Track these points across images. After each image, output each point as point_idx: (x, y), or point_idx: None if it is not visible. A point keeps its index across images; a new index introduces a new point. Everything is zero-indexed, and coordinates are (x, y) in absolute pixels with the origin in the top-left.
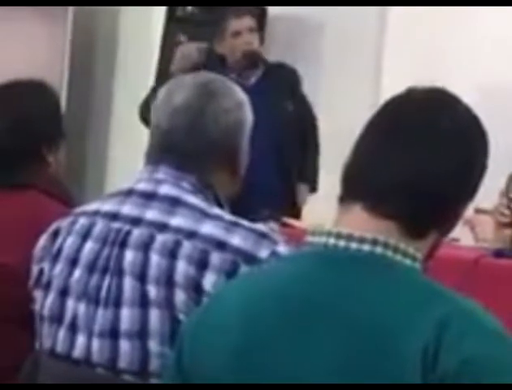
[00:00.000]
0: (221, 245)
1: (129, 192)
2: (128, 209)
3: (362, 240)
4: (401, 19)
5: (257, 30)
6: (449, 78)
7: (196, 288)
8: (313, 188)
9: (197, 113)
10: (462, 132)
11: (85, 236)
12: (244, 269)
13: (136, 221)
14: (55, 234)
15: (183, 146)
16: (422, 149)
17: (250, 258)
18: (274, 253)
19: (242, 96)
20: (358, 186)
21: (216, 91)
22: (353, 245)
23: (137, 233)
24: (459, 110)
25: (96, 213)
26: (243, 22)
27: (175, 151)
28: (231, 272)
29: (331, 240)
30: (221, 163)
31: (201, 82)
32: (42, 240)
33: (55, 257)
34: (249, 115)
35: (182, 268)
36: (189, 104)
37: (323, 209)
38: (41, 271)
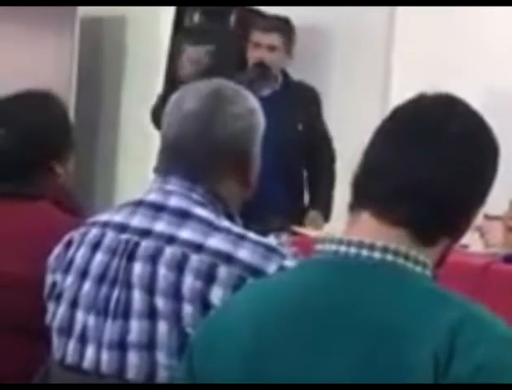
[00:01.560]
0: (228, 259)
1: (139, 204)
2: (138, 220)
3: (372, 248)
4: (410, 27)
5: (282, 49)
6: (459, 84)
7: (203, 302)
8: (325, 217)
9: (206, 120)
10: (472, 138)
11: (96, 247)
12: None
13: (145, 233)
14: (68, 245)
15: (192, 154)
16: (431, 155)
17: (257, 273)
18: (282, 268)
19: (254, 103)
20: (367, 193)
21: (226, 97)
22: (364, 253)
23: (145, 245)
24: (469, 116)
25: (106, 224)
26: (267, 38)
27: (184, 159)
28: (238, 286)
29: (342, 248)
30: (231, 171)
31: (212, 88)
32: (56, 251)
33: (67, 269)
34: (260, 122)
35: (189, 282)
36: (199, 111)
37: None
38: (54, 283)
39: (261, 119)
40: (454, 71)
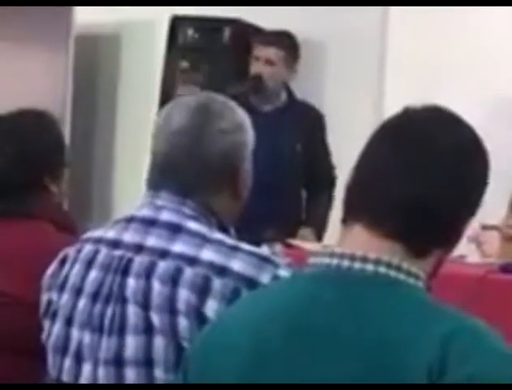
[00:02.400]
0: (222, 271)
1: (130, 219)
2: (130, 236)
3: (365, 260)
4: (403, 35)
5: (281, 63)
6: (451, 94)
7: (198, 315)
8: (318, 236)
9: (194, 135)
10: (461, 150)
11: (90, 264)
12: (245, 294)
13: (138, 248)
14: (63, 262)
15: (182, 169)
16: (420, 168)
17: (251, 283)
18: (276, 277)
19: (242, 117)
20: (359, 206)
21: (215, 112)
22: (357, 265)
23: (139, 260)
24: (459, 129)
25: (100, 240)
26: (265, 52)
27: (174, 175)
28: (232, 298)
29: (335, 261)
30: (221, 185)
31: (200, 103)
32: (51, 269)
33: (62, 286)
34: (249, 136)
35: (184, 295)
36: (187, 126)
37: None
38: (49, 301)
39: (250, 133)
40: (448, 79)
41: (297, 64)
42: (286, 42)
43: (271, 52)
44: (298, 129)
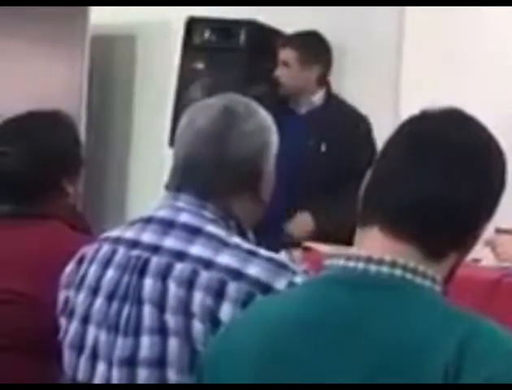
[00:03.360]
0: (237, 275)
1: (149, 220)
2: (148, 236)
3: (381, 263)
4: (420, 36)
5: (296, 64)
6: (469, 97)
7: (213, 319)
8: (317, 223)
9: (217, 137)
10: (479, 152)
11: (107, 263)
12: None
13: (155, 249)
14: (80, 261)
15: (204, 171)
16: (439, 170)
17: (267, 289)
18: (291, 284)
19: (266, 119)
20: (376, 209)
21: (238, 115)
22: (373, 268)
23: (156, 261)
24: (475, 130)
25: (118, 240)
26: (281, 54)
27: (196, 177)
28: (247, 302)
29: (351, 263)
30: (243, 188)
31: (223, 105)
32: (68, 267)
33: (79, 285)
34: (272, 139)
35: (199, 298)
36: (210, 128)
37: None
38: (66, 299)
39: (273, 136)
40: (466, 80)
41: (318, 63)
42: (299, 42)
43: (284, 54)
44: (327, 129)
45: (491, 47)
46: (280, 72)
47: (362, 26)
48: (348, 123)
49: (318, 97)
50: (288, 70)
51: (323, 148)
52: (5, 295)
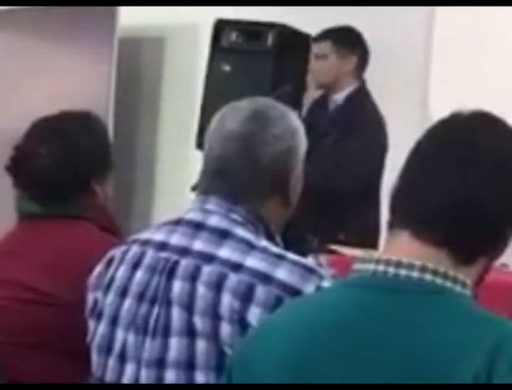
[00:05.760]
0: (266, 279)
1: (178, 222)
2: (177, 239)
3: (411, 267)
4: (448, 41)
5: (331, 55)
6: (498, 99)
7: (240, 322)
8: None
9: (248, 140)
10: (508, 156)
11: (136, 265)
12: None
13: (184, 251)
14: (109, 263)
15: (233, 174)
16: (468, 175)
17: (295, 293)
18: (319, 289)
19: (296, 123)
20: (406, 213)
21: (268, 118)
22: (403, 272)
23: (185, 263)
24: (506, 136)
25: (147, 242)
26: (314, 47)
27: (225, 180)
28: (275, 306)
29: (381, 267)
30: (272, 191)
31: (255, 109)
32: (97, 269)
33: (108, 287)
34: (301, 143)
35: (227, 301)
36: (241, 132)
37: None
38: (95, 301)
39: (302, 140)
40: (492, 88)
41: (354, 54)
42: (331, 34)
43: (319, 46)
44: (337, 125)
45: None
46: (315, 66)
47: (391, 27)
48: (353, 122)
49: (348, 91)
50: (325, 62)
51: (329, 141)
52: (32, 294)
